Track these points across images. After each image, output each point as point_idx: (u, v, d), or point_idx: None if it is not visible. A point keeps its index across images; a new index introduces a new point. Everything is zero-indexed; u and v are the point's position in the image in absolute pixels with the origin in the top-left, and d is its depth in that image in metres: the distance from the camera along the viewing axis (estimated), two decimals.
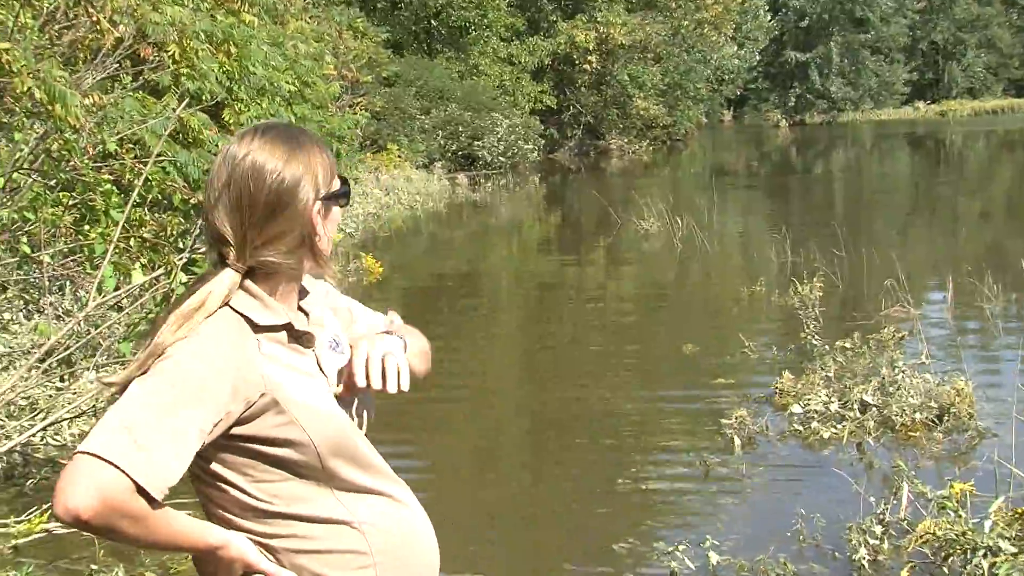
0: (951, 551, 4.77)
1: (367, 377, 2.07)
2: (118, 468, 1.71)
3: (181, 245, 7.03)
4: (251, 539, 1.96)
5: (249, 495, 1.94)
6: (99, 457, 1.71)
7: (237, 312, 1.95)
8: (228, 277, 1.95)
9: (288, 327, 2.01)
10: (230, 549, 1.92)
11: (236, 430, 1.89)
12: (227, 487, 1.95)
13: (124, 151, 7.08)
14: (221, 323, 1.92)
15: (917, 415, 6.84)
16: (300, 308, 2.10)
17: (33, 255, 6.76)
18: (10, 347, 7.60)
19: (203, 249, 5.74)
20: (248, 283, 1.97)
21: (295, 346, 2.02)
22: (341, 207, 2.10)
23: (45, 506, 5.16)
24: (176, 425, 1.78)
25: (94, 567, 5.09)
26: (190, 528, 1.87)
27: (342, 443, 2.02)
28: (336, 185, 2.05)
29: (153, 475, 1.74)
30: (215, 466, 1.92)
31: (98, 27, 6.88)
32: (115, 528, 1.73)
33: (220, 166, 1.97)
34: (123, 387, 1.87)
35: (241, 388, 1.87)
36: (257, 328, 1.96)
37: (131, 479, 1.72)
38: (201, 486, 1.98)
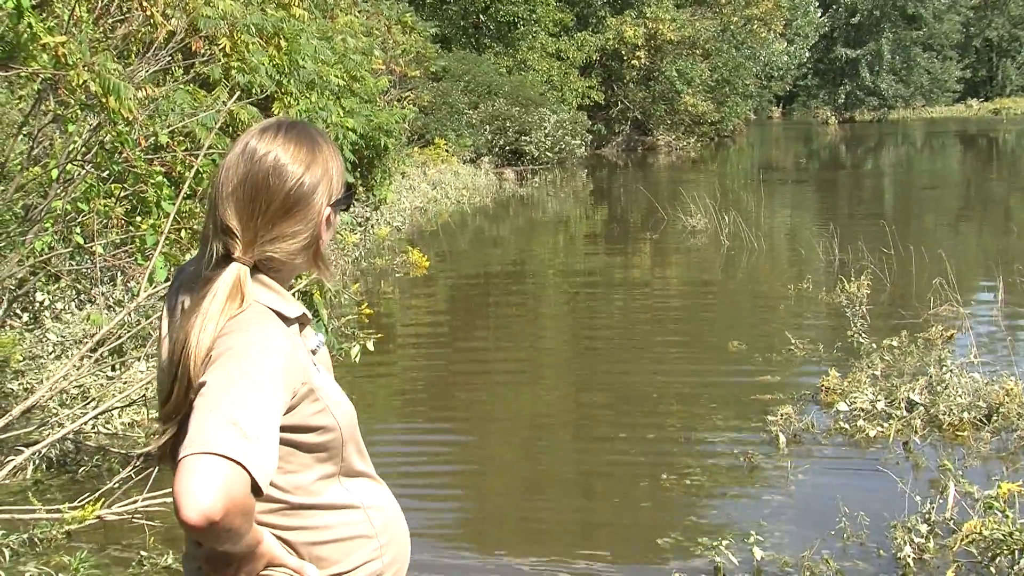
0: (998, 551, 4.74)
1: None
2: (240, 464, 1.69)
3: None
4: (274, 534, 1.96)
5: (276, 486, 1.91)
6: (219, 455, 1.68)
7: (266, 307, 1.95)
8: (235, 271, 1.93)
9: (303, 318, 2.04)
10: (264, 543, 1.91)
11: (282, 420, 1.89)
12: None
13: (175, 143, 7.16)
14: (262, 316, 1.92)
15: (965, 414, 6.79)
16: None
17: (86, 245, 6.86)
18: (63, 336, 7.71)
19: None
20: (263, 277, 1.97)
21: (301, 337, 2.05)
22: (343, 212, 2.12)
23: (98, 492, 5.24)
24: (269, 416, 1.78)
25: (144, 553, 5.17)
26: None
27: (354, 428, 2.08)
28: (343, 192, 2.06)
29: (264, 467, 1.74)
30: None
31: (151, 20, 6.95)
32: (232, 528, 1.71)
33: (237, 159, 1.96)
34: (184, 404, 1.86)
35: (291, 378, 1.88)
36: (287, 320, 1.97)
37: (249, 474, 1.70)
38: None
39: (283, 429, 1.86)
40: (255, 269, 1.96)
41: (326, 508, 2.02)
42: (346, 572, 2.03)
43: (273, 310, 1.95)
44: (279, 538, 1.96)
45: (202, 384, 1.80)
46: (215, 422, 1.72)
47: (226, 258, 1.94)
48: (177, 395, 1.88)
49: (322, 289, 6.50)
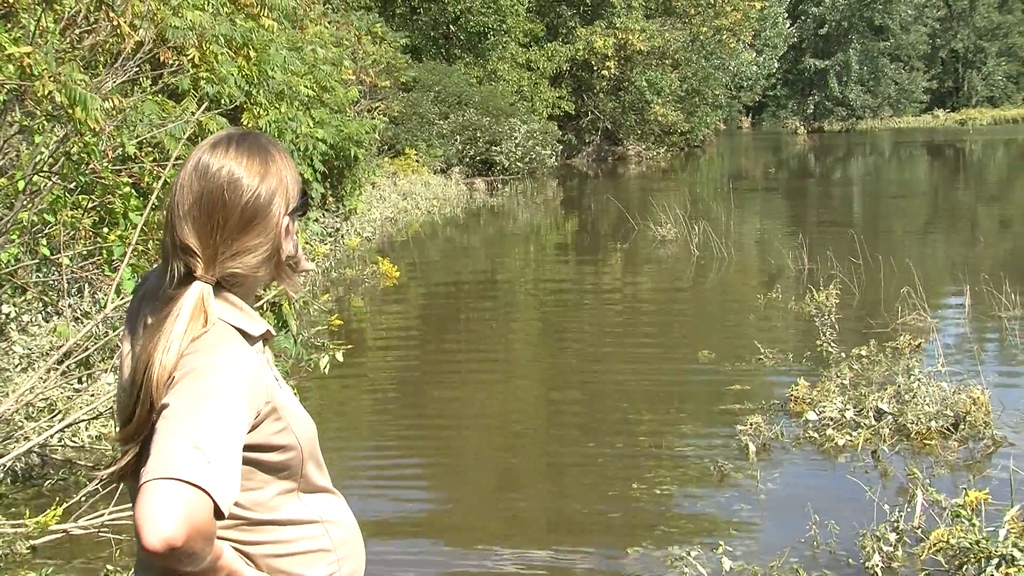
0: (965, 559, 4.77)
1: None
2: (202, 489, 1.68)
3: None
4: (233, 547, 1.95)
5: (237, 504, 1.88)
6: (183, 481, 1.67)
7: (230, 325, 1.93)
8: (198, 290, 1.90)
9: (267, 335, 2.02)
10: (225, 556, 1.89)
11: (245, 439, 1.87)
12: None
13: (143, 154, 7.13)
14: (225, 336, 1.90)
15: (933, 423, 6.83)
16: None
17: (53, 257, 6.81)
18: (29, 349, 7.64)
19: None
20: (227, 294, 1.95)
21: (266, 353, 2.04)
22: (300, 219, 2.09)
23: (64, 506, 5.19)
24: (231, 440, 1.77)
25: (110, 567, 5.13)
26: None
27: (314, 444, 2.06)
28: (298, 199, 2.03)
29: (226, 492, 1.73)
30: None
31: (118, 31, 6.92)
32: (195, 552, 1.70)
33: (191, 177, 1.93)
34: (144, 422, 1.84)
35: (255, 398, 1.87)
36: (250, 339, 1.95)
37: (212, 498, 1.69)
38: None
39: (245, 448, 1.84)
40: (218, 286, 1.93)
41: (285, 523, 2.01)
42: None
43: (237, 328, 1.93)
44: (238, 551, 1.95)
45: (164, 406, 1.78)
46: (177, 447, 1.71)
47: (188, 276, 1.91)
48: (139, 417, 1.86)
49: (291, 300, 6.47)
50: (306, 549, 2.04)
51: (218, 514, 1.72)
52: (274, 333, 2.07)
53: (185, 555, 1.69)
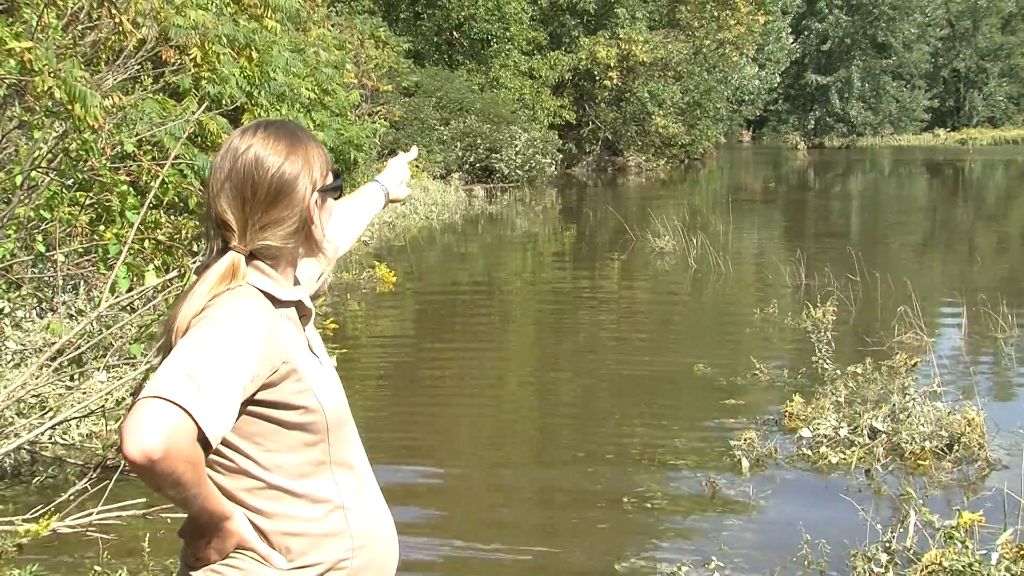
0: None
1: None
2: (186, 411, 1.79)
3: (195, 248, 7.05)
4: (248, 518, 2.03)
5: (257, 463, 2.02)
6: (168, 400, 1.78)
7: (255, 288, 2.05)
8: (230, 258, 2.04)
9: (299, 304, 2.15)
10: (235, 521, 1.99)
11: (260, 395, 1.98)
12: (236, 455, 2.02)
13: (142, 152, 7.11)
14: (245, 292, 2.02)
15: (927, 443, 6.81)
16: None
17: (48, 253, 6.79)
18: (22, 345, 7.61)
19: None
20: (260, 263, 2.08)
21: (298, 324, 2.15)
22: (335, 200, 2.23)
23: (52, 505, 5.16)
24: (229, 377, 1.87)
25: (98, 568, 5.10)
26: (216, 490, 1.96)
27: (343, 415, 2.17)
28: (330, 179, 2.18)
29: (213, 422, 1.83)
30: (228, 433, 1.98)
31: (121, 28, 6.91)
32: (175, 472, 1.79)
33: (223, 158, 2.10)
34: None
35: (268, 353, 1.97)
36: (277, 303, 2.07)
37: (196, 423, 1.80)
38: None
39: (265, 404, 1.99)
40: (253, 258, 2.07)
41: (303, 497, 2.08)
42: (310, 566, 2.07)
43: (263, 291, 2.06)
44: (253, 524, 2.03)
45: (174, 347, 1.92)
46: (171, 372, 1.83)
47: (224, 249, 2.06)
48: None
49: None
50: (321, 531, 2.09)
51: (204, 444, 1.83)
52: (311, 307, 2.19)
53: (164, 472, 1.78)
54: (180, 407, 1.78)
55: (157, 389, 1.80)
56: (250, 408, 1.98)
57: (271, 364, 1.97)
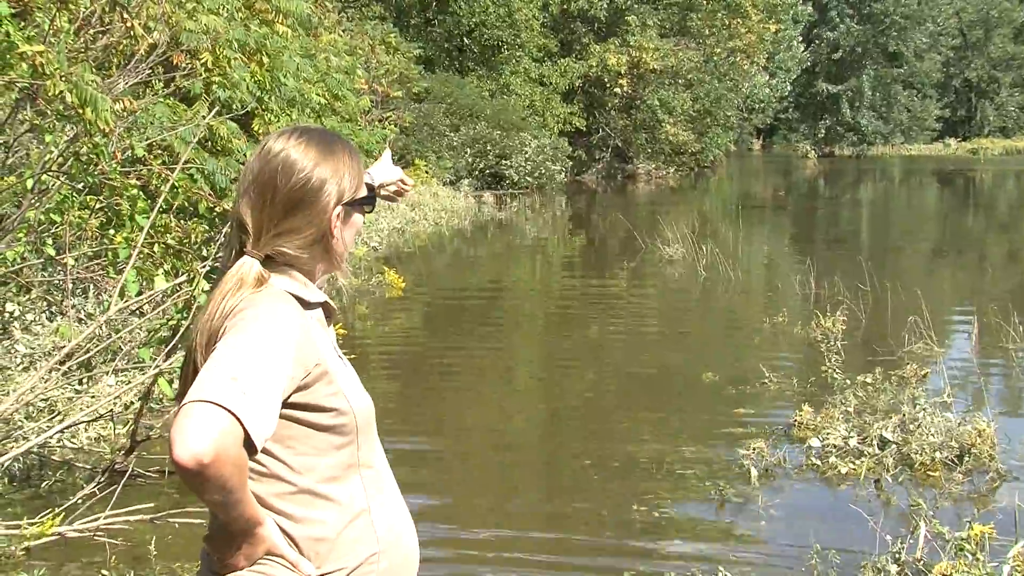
0: None
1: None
2: (233, 415, 1.77)
3: (205, 253, 7.05)
4: (277, 523, 2.01)
5: (289, 467, 2.01)
6: (215, 404, 1.76)
7: (283, 290, 2.04)
8: (240, 263, 2.03)
9: (326, 305, 2.15)
10: (266, 527, 1.97)
11: (294, 397, 1.96)
12: (267, 459, 2.00)
13: (152, 157, 7.12)
14: (276, 295, 2.01)
15: (937, 454, 6.78)
16: None
17: (58, 257, 6.79)
18: (31, 348, 7.62)
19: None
20: (287, 268, 2.07)
21: (325, 325, 2.16)
22: (365, 214, 2.20)
23: (58, 508, 5.16)
24: (270, 380, 1.86)
25: (105, 572, 5.09)
26: (251, 496, 1.92)
27: (370, 420, 2.15)
28: (362, 193, 2.14)
29: (260, 425, 1.82)
30: None
31: (132, 33, 6.92)
32: (222, 476, 1.77)
33: (255, 158, 2.08)
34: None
35: (302, 356, 1.96)
36: (306, 305, 2.07)
37: (244, 427, 1.78)
38: None
39: (298, 407, 1.98)
40: (273, 262, 2.06)
41: (333, 501, 2.06)
42: (337, 571, 2.06)
43: (292, 294, 2.05)
44: (283, 530, 2.01)
45: (212, 351, 1.90)
46: (216, 376, 1.81)
47: (241, 252, 2.06)
48: (189, 377, 1.98)
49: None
50: (349, 537, 2.08)
51: (250, 447, 1.81)
52: (335, 307, 2.20)
53: (213, 477, 1.76)
54: (228, 411, 1.76)
55: (203, 393, 1.77)
56: (283, 411, 1.95)
57: (305, 367, 1.96)
